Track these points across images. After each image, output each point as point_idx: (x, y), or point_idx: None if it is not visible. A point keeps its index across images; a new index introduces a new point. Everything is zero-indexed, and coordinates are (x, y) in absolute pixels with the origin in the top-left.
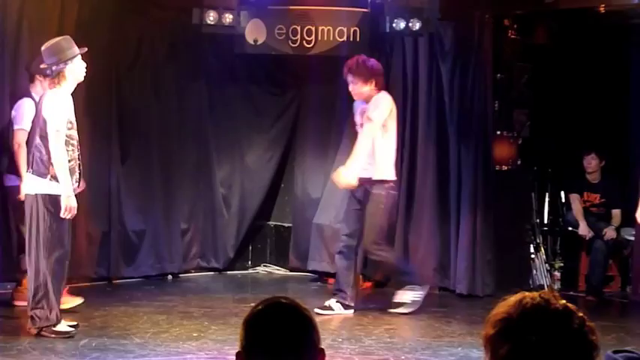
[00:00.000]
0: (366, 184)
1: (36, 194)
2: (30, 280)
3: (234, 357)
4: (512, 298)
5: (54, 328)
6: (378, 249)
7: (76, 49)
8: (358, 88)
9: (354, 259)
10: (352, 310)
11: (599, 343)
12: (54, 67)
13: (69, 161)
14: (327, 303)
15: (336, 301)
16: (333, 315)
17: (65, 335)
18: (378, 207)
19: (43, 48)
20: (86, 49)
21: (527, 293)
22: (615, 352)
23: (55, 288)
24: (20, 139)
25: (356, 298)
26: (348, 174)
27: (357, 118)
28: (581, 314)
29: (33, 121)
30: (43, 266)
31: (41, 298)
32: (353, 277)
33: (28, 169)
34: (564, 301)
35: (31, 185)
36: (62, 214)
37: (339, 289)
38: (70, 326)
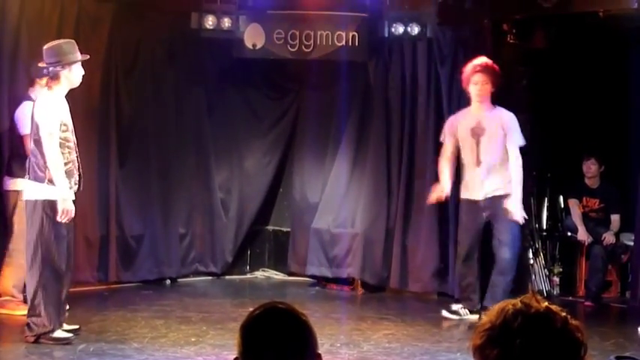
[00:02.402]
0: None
1: (35, 200)
2: (27, 287)
3: None
4: (496, 307)
5: (52, 335)
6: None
7: (77, 55)
8: (487, 89)
9: (475, 266)
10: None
11: (586, 340)
12: (51, 68)
13: (65, 164)
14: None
15: (463, 307)
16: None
17: (63, 342)
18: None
19: (45, 47)
20: (88, 56)
21: (510, 301)
22: (618, 357)
23: (53, 294)
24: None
25: None
26: (517, 205)
27: (467, 130)
28: (564, 314)
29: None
30: (40, 273)
31: (37, 304)
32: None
33: (26, 175)
34: (546, 303)
35: (30, 191)
36: (59, 218)
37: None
38: (72, 330)
